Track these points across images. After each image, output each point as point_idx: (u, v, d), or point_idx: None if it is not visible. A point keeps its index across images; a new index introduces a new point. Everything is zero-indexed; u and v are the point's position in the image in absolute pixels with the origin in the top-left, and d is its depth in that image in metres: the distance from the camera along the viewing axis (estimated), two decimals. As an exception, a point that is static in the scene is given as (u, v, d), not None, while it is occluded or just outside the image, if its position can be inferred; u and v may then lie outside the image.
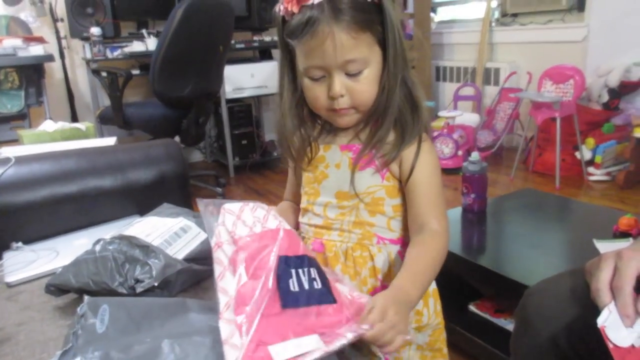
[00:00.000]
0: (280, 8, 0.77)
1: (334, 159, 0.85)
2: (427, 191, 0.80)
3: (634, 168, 2.73)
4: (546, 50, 3.33)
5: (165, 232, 0.97)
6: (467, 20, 4.02)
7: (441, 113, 3.41)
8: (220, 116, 3.44)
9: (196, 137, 2.95)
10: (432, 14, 4.06)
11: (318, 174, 0.87)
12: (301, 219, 0.91)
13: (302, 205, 0.91)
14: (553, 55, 3.21)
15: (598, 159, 2.84)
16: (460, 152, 3.20)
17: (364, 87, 0.77)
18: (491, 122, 3.54)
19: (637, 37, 2.84)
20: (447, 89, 4.01)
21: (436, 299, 0.89)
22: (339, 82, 0.75)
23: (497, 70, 3.63)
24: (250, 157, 3.56)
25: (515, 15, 3.60)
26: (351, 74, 0.76)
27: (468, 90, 3.72)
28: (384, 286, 0.82)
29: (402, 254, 0.83)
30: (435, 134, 3.34)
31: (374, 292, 0.82)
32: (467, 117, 3.44)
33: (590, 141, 2.86)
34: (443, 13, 4.30)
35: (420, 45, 3.84)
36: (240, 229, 0.71)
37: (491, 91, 3.64)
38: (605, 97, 2.88)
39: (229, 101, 3.40)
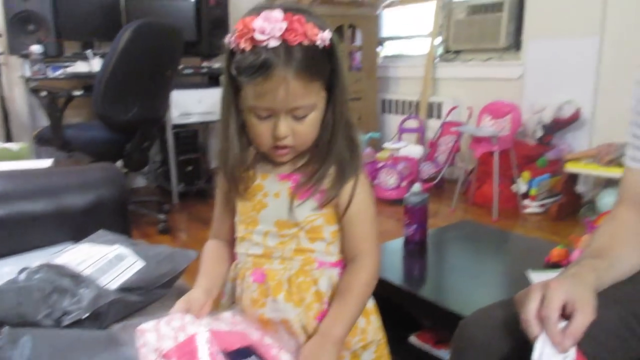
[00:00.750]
0: (230, 41, 0.76)
1: (272, 188, 0.86)
2: (361, 225, 0.86)
3: (565, 201, 2.88)
4: (486, 86, 3.49)
5: (98, 260, 0.93)
6: (412, 55, 4.17)
7: (386, 144, 3.49)
8: (165, 141, 3.38)
9: (140, 162, 2.88)
10: (379, 48, 4.18)
11: (256, 202, 0.87)
12: (238, 249, 0.90)
13: (239, 234, 0.90)
14: (492, 92, 3.37)
15: (533, 192, 2.97)
16: (404, 184, 3.28)
17: (308, 129, 0.80)
18: (434, 154, 3.65)
19: (568, 77, 3.03)
20: (392, 121, 4.12)
21: (377, 315, 0.93)
22: (285, 125, 0.77)
23: (439, 105, 3.76)
24: (195, 184, 3.50)
25: (457, 52, 3.77)
26: (297, 117, 0.78)
27: (412, 123, 3.83)
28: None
29: (342, 275, 0.88)
30: (380, 165, 3.41)
31: (320, 316, 0.84)
32: (411, 149, 3.54)
33: (526, 175, 3.00)
34: (390, 47, 4.44)
35: (367, 77, 3.95)
36: (165, 342, 0.69)
37: (434, 124, 3.77)
38: (540, 133, 3.04)
39: (175, 126, 3.35)
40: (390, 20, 4.42)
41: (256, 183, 0.86)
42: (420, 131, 3.79)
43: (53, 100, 2.50)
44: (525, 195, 3.02)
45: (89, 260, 0.92)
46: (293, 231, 0.85)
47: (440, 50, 3.88)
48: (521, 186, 3.01)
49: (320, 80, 0.78)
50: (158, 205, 3.08)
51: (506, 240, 1.87)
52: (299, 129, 0.79)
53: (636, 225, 0.84)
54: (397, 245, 1.67)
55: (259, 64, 0.72)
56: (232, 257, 0.93)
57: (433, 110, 3.81)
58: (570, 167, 2.78)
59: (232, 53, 0.77)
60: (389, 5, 4.14)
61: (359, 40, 4.03)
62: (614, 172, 2.57)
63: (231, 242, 0.93)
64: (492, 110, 3.09)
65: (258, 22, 0.72)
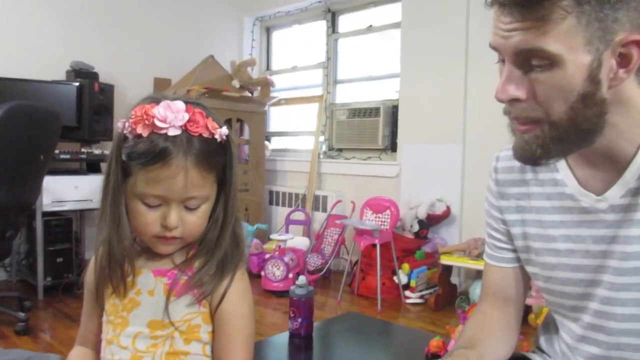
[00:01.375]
0: (126, 125, 0.75)
1: (146, 285, 0.81)
2: (234, 324, 0.82)
3: (442, 291, 3.03)
4: (367, 182, 3.70)
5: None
6: (298, 150, 4.35)
7: (273, 236, 3.50)
8: (33, 230, 3.09)
9: (1, 253, 2.59)
10: (266, 142, 4.31)
11: (127, 301, 0.81)
12: (103, 354, 0.82)
13: (106, 337, 0.82)
14: (373, 188, 3.58)
15: (413, 283, 3.11)
16: (291, 275, 3.27)
17: (199, 220, 0.79)
18: (320, 246, 3.72)
19: (438, 177, 3.32)
20: (280, 212, 4.17)
21: None
22: (177, 214, 0.76)
23: (325, 198, 3.90)
24: (65, 277, 3.20)
25: (340, 150, 4.00)
26: (190, 208, 0.77)
27: (299, 215, 3.91)
28: None
29: None
30: (267, 256, 3.39)
31: None
32: (298, 241, 3.58)
33: (406, 267, 3.14)
34: (277, 142, 4.60)
35: (255, 169, 4.01)
36: None
37: (320, 217, 3.87)
38: (416, 227, 3.24)
39: (45, 214, 3.10)
40: (277, 117, 4.63)
41: (129, 279, 0.81)
42: (307, 223, 3.87)
43: None
44: (406, 287, 3.14)
45: None
46: (167, 332, 0.79)
47: (324, 147, 4.09)
48: (402, 278, 3.14)
49: (215, 173, 0.79)
50: (18, 302, 2.75)
51: (389, 332, 1.91)
52: (190, 220, 0.77)
53: (499, 319, 0.92)
54: (282, 339, 1.63)
55: (158, 151, 0.72)
56: None
57: (319, 203, 3.94)
58: (444, 260, 2.97)
59: (124, 138, 0.75)
60: (275, 104, 4.35)
61: (246, 134, 4.14)
62: (481, 265, 2.76)
63: (98, 348, 0.85)
64: (373, 205, 3.27)
65: (159, 110, 0.72)
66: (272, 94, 4.25)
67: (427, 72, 3.37)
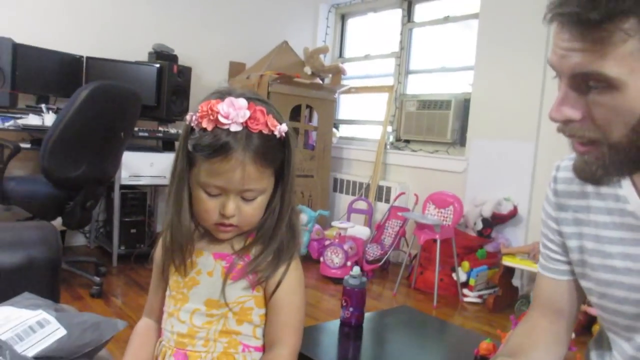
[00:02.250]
0: (193, 118, 0.80)
1: (206, 266, 0.86)
2: (285, 311, 0.86)
3: (501, 293, 2.96)
4: (432, 176, 3.65)
5: (18, 325, 0.89)
6: (365, 139, 4.35)
7: (334, 223, 3.54)
8: (111, 202, 3.31)
9: (81, 221, 2.80)
10: (334, 129, 4.34)
11: (188, 279, 0.87)
12: (164, 325, 0.89)
13: (168, 309, 0.89)
14: (437, 182, 3.52)
15: (472, 282, 3.05)
16: (349, 263, 3.30)
17: (255, 211, 0.83)
18: (380, 236, 3.72)
19: (507, 175, 3.22)
20: (343, 200, 4.21)
21: None
22: (234, 204, 0.80)
23: (388, 189, 3.89)
24: (137, 247, 3.40)
25: (407, 141, 3.96)
26: (246, 199, 0.81)
27: (361, 204, 3.92)
28: None
29: None
30: (327, 242, 3.44)
31: None
32: (359, 230, 3.60)
33: (466, 264, 3.09)
34: (344, 130, 4.62)
35: (321, 156, 4.06)
36: None
37: (382, 207, 3.87)
38: (480, 225, 3.17)
39: (123, 187, 3.30)
40: (347, 104, 4.64)
41: (190, 260, 0.87)
42: (369, 213, 3.88)
43: (-2, 151, 2.45)
44: (465, 285, 3.09)
45: (7, 325, 0.88)
46: (222, 311, 0.84)
47: (391, 138, 4.06)
48: (461, 275, 3.09)
49: (273, 168, 0.83)
50: (95, 267, 2.96)
51: (442, 330, 1.90)
52: (246, 210, 0.82)
53: (548, 330, 0.89)
54: (334, 326, 1.67)
55: (219, 145, 0.76)
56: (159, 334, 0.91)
57: (382, 193, 3.93)
58: (507, 261, 2.89)
59: (191, 130, 0.80)
60: (346, 92, 4.36)
61: (315, 121, 4.18)
62: (546, 269, 2.68)
63: (161, 319, 0.92)
64: (437, 199, 3.22)
65: (223, 107, 0.76)
66: (343, 82, 4.27)
67: (504, 66, 3.25)
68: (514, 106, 3.19)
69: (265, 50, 4.13)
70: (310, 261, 3.53)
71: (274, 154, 0.82)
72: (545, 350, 0.87)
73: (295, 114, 3.89)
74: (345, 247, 3.36)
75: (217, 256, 0.86)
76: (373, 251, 3.61)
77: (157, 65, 3.58)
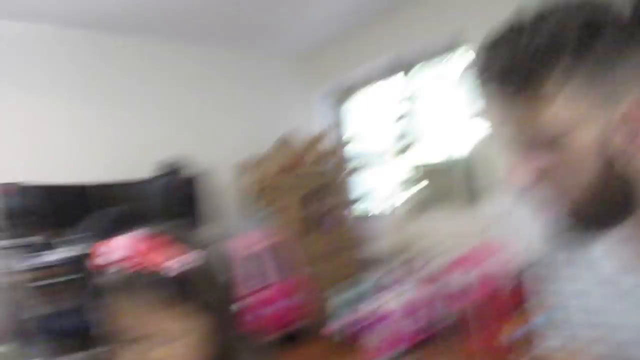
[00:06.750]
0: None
1: None
2: None
3: None
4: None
5: None
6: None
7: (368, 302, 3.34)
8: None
9: None
10: (353, 207, 4.21)
11: None
12: None
13: None
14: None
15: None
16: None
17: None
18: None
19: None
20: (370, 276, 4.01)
21: None
22: None
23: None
24: None
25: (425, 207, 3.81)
26: None
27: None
28: None
29: None
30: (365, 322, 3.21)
31: None
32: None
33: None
34: (365, 204, 4.49)
35: (338, 238, 3.87)
36: None
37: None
38: None
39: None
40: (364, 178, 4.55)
41: None
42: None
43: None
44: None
45: None
46: None
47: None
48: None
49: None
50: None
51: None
52: None
53: None
54: None
55: None
56: None
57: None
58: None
59: None
60: (348, 174, 4.30)
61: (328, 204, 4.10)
62: None
63: None
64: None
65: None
66: (351, 161, 4.24)
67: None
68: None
69: (268, 143, 4.08)
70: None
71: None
72: None
73: (307, 200, 3.85)
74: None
75: None
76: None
77: (164, 180, 3.60)
